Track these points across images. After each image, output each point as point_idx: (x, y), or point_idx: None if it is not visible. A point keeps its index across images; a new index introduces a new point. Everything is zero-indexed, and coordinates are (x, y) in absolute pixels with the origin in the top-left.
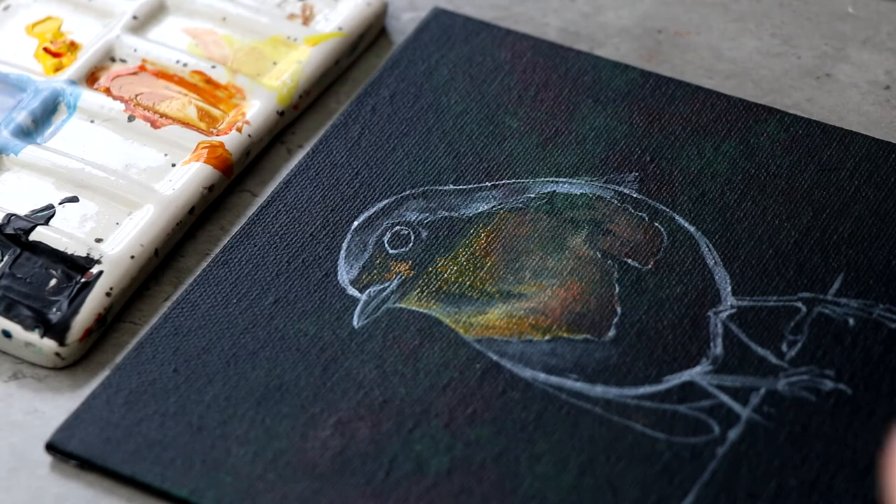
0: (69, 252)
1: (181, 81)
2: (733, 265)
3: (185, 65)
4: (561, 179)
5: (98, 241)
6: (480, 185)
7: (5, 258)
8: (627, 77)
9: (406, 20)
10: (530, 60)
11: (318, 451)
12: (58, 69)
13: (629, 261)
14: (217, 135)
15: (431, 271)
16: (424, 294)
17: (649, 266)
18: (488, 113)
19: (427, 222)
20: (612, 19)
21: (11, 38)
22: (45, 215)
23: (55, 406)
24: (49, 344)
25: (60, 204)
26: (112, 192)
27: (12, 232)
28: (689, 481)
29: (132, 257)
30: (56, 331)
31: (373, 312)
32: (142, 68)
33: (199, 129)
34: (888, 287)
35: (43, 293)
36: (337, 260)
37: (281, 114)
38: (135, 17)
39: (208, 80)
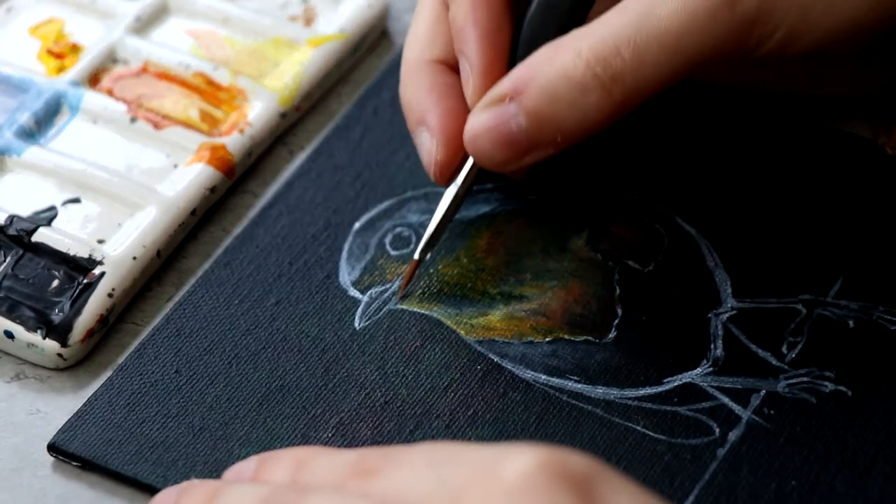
0: (71, 253)
1: (183, 83)
2: (733, 267)
3: (187, 66)
4: (561, 181)
5: (100, 242)
6: (482, 186)
7: (8, 259)
8: None
9: (408, 22)
10: None
11: None
12: (60, 70)
13: (630, 262)
14: (219, 136)
15: (433, 273)
16: (426, 295)
17: (650, 268)
18: None
19: (428, 224)
20: None
21: (14, 39)
22: (48, 216)
23: (57, 406)
24: (51, 345)
25: (63, 205)
26: (114, 193)
27: (15, 233)
28: (690, 482)
29: (134, 258)
30: (58, 332)
31: (374, 314)
32: (144, 70)
33: (201, 131)
34: (888, 289)
35: (45, 294)
36: (338, 261)
37: (283, 115)
38: (137, 19)
39: (210, 82)
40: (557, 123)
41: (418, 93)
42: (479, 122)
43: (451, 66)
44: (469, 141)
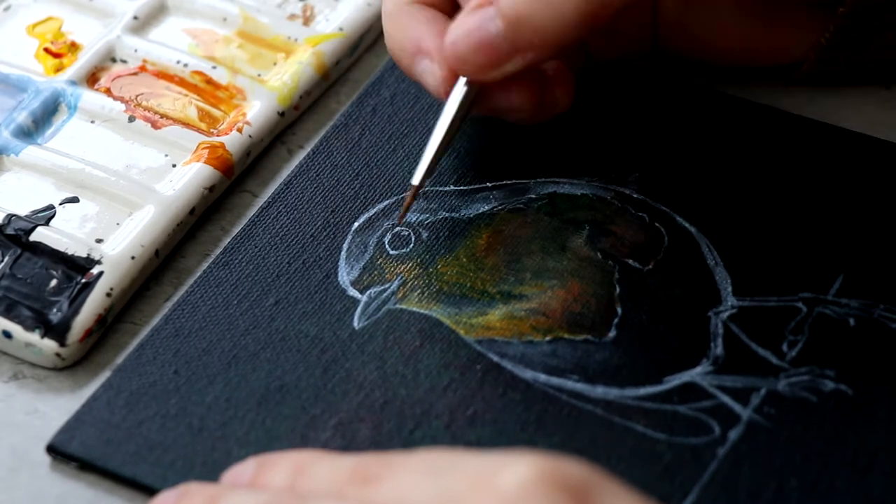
0: (69, 252)
1: (182, 82)
2: (734, 265)
3: (185, 65)
4: (561, 180)
5: (98, 241)
6: (481, 185)
7: (6, 259)
8: (628, 77)
9: None
10: None
11: None
12: (58, 70)
13: (630, 261)
14: (217, 135)
15: (432, 272)
16: (425, 295)
17: (650, 266)
18: None
19: (427, 223)
20: None
21: (12, 38)
22: (46, 216)
23: (55, 406)
24: (49, 344)
25: (61, 204)
26: (112, 192)
27: (13, 232)
28: (690, 482)
29: (133, 258)
30: (56, 331)
31: (373, 313)
32: (142, 69)
33: (199, 130)
34: (889, 287)
35: (43, 294)
36: (337, 261)
37: (281, 114)
38: (135, 18)
39: (209, 81)
40: (534, 24)
41: (408, 30)
42: (459, 27)
43: (431, 4)
44: (450, 46)
